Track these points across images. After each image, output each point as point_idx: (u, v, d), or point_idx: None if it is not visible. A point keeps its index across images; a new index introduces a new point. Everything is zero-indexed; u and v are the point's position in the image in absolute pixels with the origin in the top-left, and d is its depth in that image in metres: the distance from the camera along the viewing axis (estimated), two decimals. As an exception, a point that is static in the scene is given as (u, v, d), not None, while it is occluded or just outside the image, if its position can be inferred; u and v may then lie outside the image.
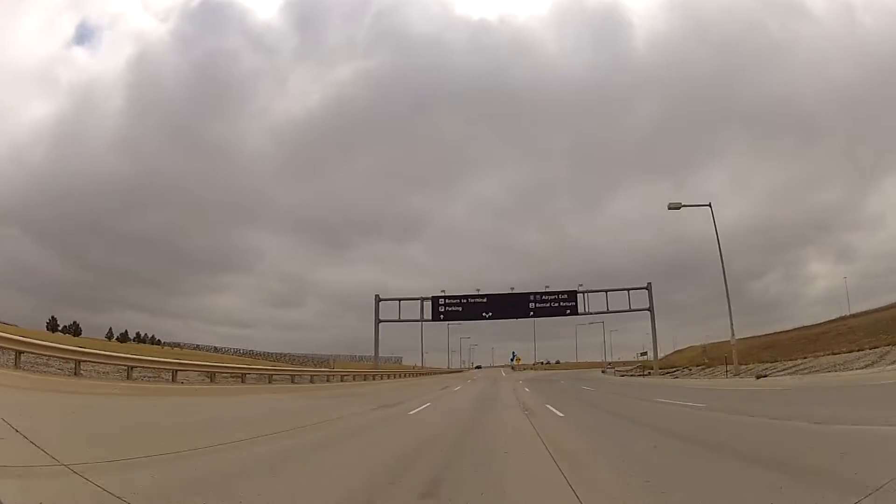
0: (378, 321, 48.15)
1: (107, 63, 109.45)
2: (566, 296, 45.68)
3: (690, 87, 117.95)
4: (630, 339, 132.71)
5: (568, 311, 45.67)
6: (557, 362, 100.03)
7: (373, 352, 47.80)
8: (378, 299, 48.37)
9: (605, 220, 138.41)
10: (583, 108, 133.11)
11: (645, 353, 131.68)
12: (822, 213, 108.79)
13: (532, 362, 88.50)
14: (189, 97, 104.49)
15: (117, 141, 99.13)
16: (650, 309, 45.66)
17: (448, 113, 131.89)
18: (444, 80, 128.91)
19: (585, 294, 45.73)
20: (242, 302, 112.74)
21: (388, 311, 48.45)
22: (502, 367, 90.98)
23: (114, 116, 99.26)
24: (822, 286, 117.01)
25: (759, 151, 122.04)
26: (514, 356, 75.24)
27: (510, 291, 46.64)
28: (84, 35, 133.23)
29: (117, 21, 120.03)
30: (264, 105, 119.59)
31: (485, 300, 46.38)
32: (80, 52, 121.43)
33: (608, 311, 46.55)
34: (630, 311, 46.25)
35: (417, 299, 47.64)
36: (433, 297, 47.11)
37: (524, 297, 46.20)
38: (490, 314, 46.14)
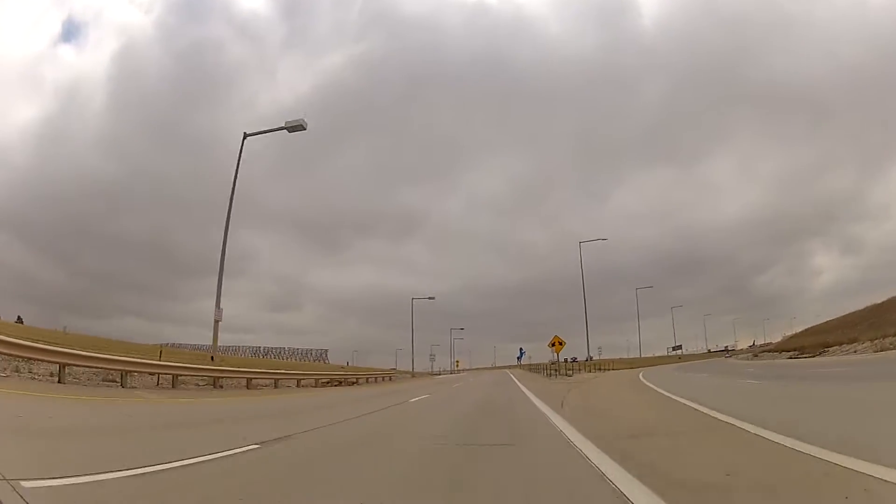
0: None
1: (93, 59, 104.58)
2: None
3: (700, 68, 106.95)
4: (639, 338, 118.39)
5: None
6: (589, 358, 74.58)
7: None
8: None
9: (609, 214, 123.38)
10: (587, 91, 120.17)
11: (679, 347, 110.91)
12: (829, 202, 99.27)
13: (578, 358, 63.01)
14: (174, 91, 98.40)
15: (103, 139, 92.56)
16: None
17: (445, 99, 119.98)
18: (439, 64, 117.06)
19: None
20: (240, 306, 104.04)
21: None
22: (508, 367, 69.79)
23: (100, 114, 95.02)
24: (827, 279, 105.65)
25: (768, 135, 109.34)
26: (522, 353, 54.40)
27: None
28: (70, 31, 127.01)
29: (102, 15, 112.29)
30: (252, 97, 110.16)
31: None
32: (66, 50, 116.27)
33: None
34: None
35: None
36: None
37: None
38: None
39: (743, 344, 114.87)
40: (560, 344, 26.38)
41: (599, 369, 42.45)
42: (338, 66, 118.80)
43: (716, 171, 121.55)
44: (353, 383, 26.09)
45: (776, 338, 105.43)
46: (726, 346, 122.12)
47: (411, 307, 46.49)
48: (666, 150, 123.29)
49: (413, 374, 48.52)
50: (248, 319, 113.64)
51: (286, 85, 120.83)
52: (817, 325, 57.23)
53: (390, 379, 36.97)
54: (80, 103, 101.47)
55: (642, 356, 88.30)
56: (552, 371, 34.69)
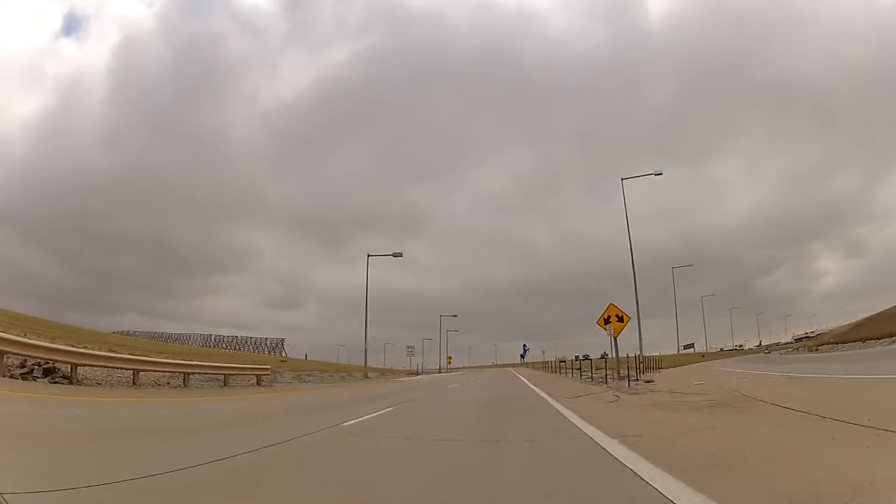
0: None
1: (94, 53, 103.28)
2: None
3: (707, 66, 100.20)
4: (640, 340, 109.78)
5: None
6: (604, 355, 65.84)
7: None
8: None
9: (614, 213, 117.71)
10: (593, 88, 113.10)
11: (692, 345, 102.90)
12: (835, 203, 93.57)
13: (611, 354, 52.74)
14: (176, 86, 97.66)
15: (103, 134, 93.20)
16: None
17: (449, 96, 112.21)
18: (444, 59, 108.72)
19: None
20: (241, 304, 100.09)
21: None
22: (512, 366, 61.73)
23: (100, 108, 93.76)
24: (830, 282, 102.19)
25: (775, 135, 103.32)
26: (526, 350, 46.22)
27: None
28: (71, 25, 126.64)
29: (104, 8, 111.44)
30: (254, 92, 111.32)
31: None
32: (67, 44, 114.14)
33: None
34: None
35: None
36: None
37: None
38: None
39: (750, 344, 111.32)
40: (619, 320, 14.22)
41: (649, 367, 31.22)
42: (341, 61, 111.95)
43: (722, 171, 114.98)
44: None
45: (784, 338, 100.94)
46: (738, 345, 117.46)
47: (366, 265, 35.04)
48: (672, 148, 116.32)
49: (367, 375, 34.73)
50: (252, 317, 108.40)
51: (288, 80, 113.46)
52: (871, 317, 54.28)
53: (258, 383, 20.14)
54: (80, 97, 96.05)
55: (648, 355, 79.55)
56: (581, 370, 22.51)
